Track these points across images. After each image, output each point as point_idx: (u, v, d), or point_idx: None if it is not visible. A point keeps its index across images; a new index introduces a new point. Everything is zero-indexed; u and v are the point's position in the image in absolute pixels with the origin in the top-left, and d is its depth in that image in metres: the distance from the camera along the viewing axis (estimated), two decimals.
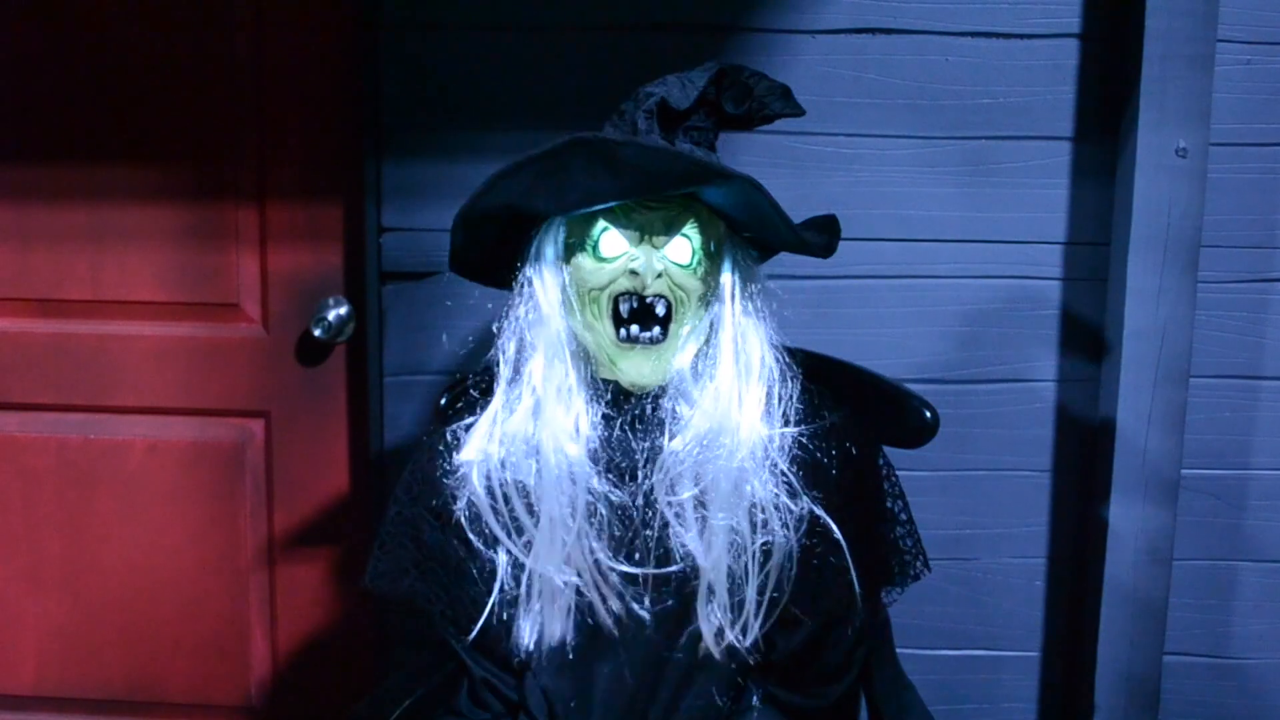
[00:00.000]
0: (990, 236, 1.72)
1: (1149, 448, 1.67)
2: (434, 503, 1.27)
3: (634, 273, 1.18)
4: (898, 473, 1.37)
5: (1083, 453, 1.75)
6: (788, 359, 1.25)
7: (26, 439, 1.89)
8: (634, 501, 1.22)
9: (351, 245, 1.78)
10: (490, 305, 1.28)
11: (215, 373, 1.84)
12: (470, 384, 1.36)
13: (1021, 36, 1.68)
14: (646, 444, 1.22)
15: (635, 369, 1.20)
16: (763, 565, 1.22)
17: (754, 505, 1.20)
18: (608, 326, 1.20)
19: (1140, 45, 1.60)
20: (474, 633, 1.26)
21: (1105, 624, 1.70)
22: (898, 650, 1.48)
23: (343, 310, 1.79)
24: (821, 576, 1.25)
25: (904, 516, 1.35)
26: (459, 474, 1.23)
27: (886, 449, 1.38)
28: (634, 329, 1.19)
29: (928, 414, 1.40)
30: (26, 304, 1.86)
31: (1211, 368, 1.73)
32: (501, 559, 1.24)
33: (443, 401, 1.49)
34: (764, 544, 1.21)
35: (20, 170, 1.82)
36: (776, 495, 1.20)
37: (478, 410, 1.26)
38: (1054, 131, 1.70)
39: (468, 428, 1.25)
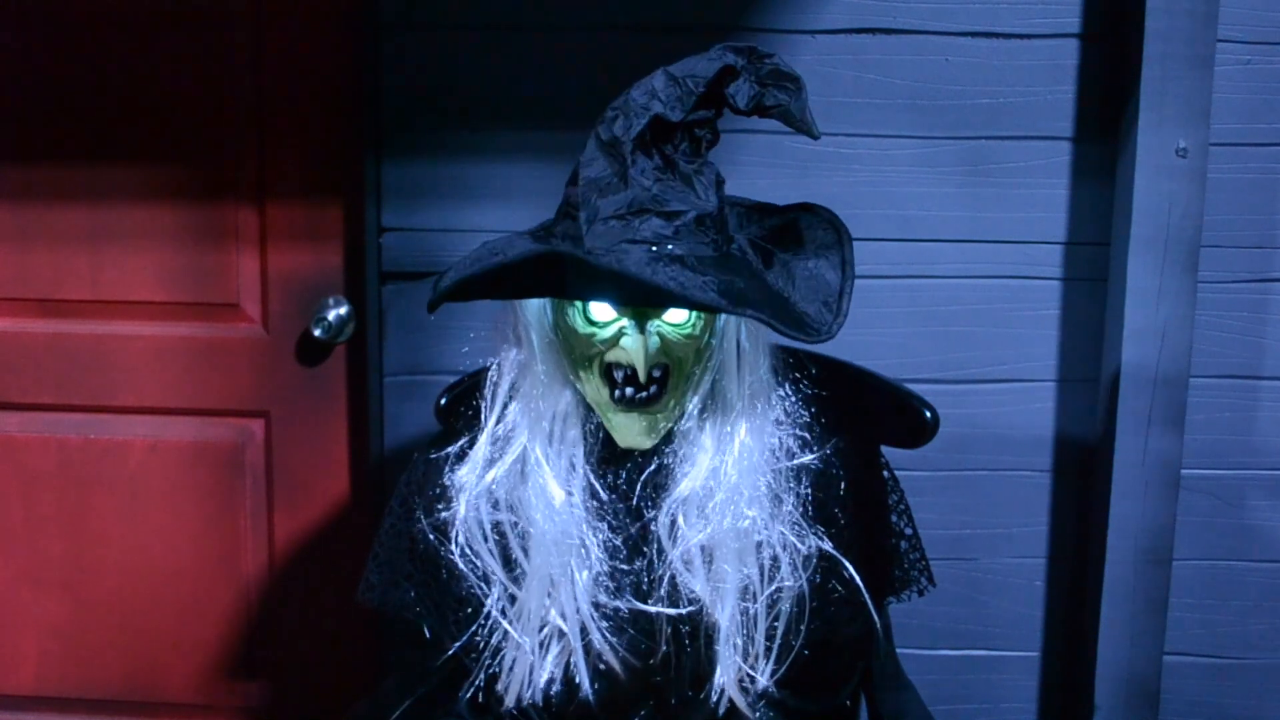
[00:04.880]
0: (990, 236, 1.72)
1: (1149, 448, 1.67)
2: (428, 520, 1.25)
3: (625, 348, 1.12)
4: (898, 473, 1.37)
5: (1083, 453, 1.75)
6: (793, 388, 1.22)
7: (26, 439, 1.89)
8: (634, 544, 1.20)
9: (351, 245, 1.78)
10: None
11: (215, 373, 1.84)
12: (470, 386, 1.36)
13: (1021, 36, 1.68)
14: (646, 485, 1.19)
15: (629, 429, 1.16)
16: (771, 608, 1.19)
17: (762, 555, 1.17)
18: (601, 386, 1.16)
19: (1140, 45, 1.60)
20: (463, 641, 1.24)
21: (1105, 624, 1.70)
22: (898, 650, 1.48)
23: (343, 310, 1.79)
24: (837, 617, 1.24)
25: (909, 531, 1.35)
26: (451, 499, 1.21)
27: (886, 449, 1.38)
28: (628, 390, 1.14)
29: (928, 414, 1.41)
30: (26, 304, 1.86)
31: (1211, 368, 1.73)
32: (491, 595, 1.21)
33: (443, 402, 1.48)
34: (773, 591, 1.18)
35: (20, 170, 1.82)
36: (784, 536, 1.17)
37: (476, 423, 1.23)
38: (1054, 131, 1.69)
39: (463, 450, 1.22)
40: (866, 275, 1.72)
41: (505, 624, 1.21)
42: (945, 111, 1.69)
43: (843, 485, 1.24)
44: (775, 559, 1.18)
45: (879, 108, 1.69)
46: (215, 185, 1.79)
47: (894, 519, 1.34)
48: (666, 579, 1.18)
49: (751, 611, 1.18)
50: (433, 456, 1.27)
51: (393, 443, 1.80)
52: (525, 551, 1.19)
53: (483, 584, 1.21)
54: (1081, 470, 1.76)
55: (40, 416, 1.88)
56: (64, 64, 1.79)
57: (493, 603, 1.21)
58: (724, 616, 1.17)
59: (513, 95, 1.71)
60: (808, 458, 1.21)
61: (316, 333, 1.77)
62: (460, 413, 1.30)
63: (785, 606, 1.19)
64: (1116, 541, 1.69)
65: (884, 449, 1.39)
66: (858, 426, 1.30)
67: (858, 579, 1.22)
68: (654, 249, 1.07)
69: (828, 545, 1.20)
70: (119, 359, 1.85)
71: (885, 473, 1.35)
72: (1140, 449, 1.67)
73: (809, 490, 1.21)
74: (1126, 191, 1.64)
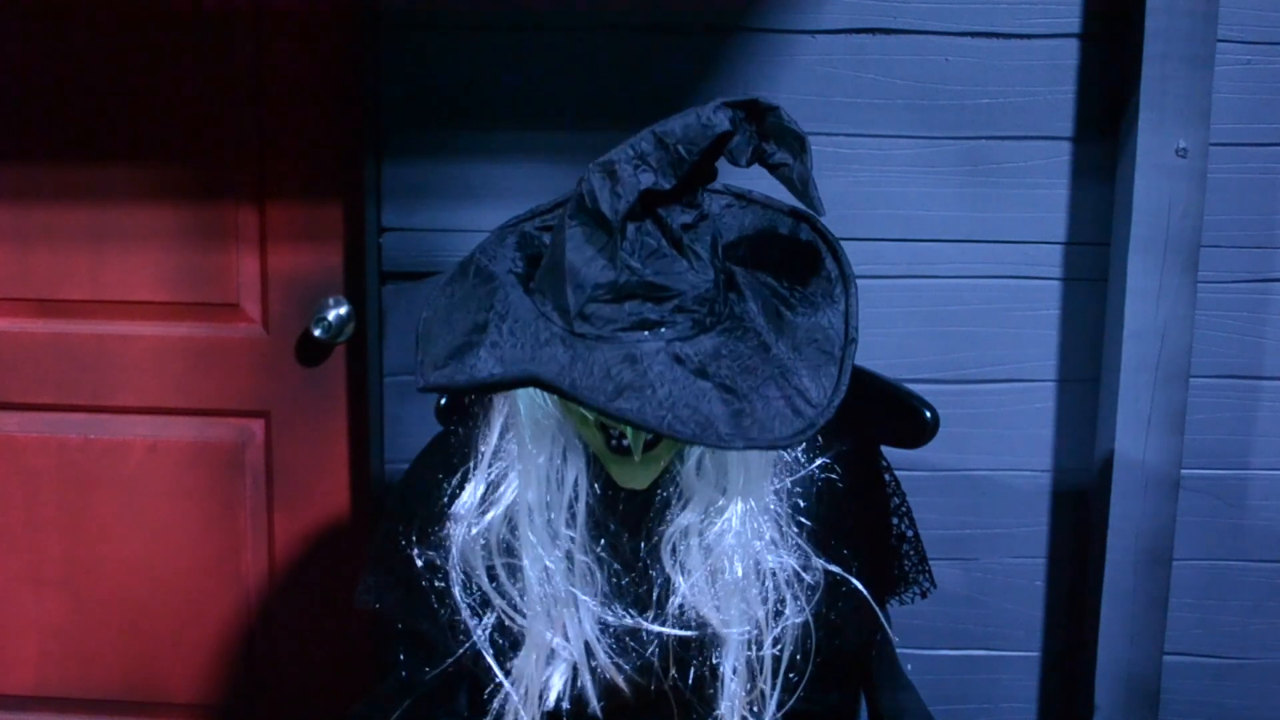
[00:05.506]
0: (990, 236, 1.72)
1: (1149, 448, 1.67)
2: (423, 547, 1.24)
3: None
4: (898, 473, 1.37)
5: (1083, 452, 1.75)
6: None
7: (26, 439, 1.89)
8: (637, 570, 1.19)
9: (351, 245, 1.78)
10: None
11: (215, 373, 1.84)
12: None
13: (1021, 36, 1.68)
14: (648, 512, 1.18)
15: (627, 474, 1.13)
16: (775, 642, 1.17)
17: (765, 592, 1.14)
18: (596, 434, 1.13)
19: (1140, 45, 1.60)
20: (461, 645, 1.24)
21: (1105, 624, 1.70)
22: (898, 650, 1.48)
23: (343, 310, 1.79)
24: (844, 631, 1.23)
25: (910, 533, 1.34)
26: (446, 536, 1.19)
27: (886, 450, 1.38)
28: (624, 441, 1.11)
29: (928, 414, 1.40)
30: (26, 304, 1.86)
31: (1211, 368, 1.73)
32: (485, 619, 1.20)
33: (443, 402, 1.48)
34: (779, 632, 1.17)
35: (20, 170, 1.82)
36: (787, 569, 1.15)
37: (474, 437, 1.20)
38: (1054, 131, 1.69)
39: (463, 479, 1.20)
40: (866, 275, 1.72)
41: (496, 669, 1.20)
42: (945, 111, 1.69)
43: (844, 492, 1.24)
44: (780, 599, 1.15)
45: (879, 108, 1.69)
46: (215, 185, 1.79)
47: (895, 521, 1.34)
48: (670, 609, 1.17)
49: (756, 654, 1.16)
50: (429, 468, 1.26)
51: (393, 443, 1.80)
52: (522, 594, 1.17)
53: (478, 612, 1.20)
54: (1081, 470, 1.76)
55: (40, 416, 1.88)
56: (64, 64, 1.79)
57: (488, 625, 1.20)
58: (727, 663, 1.15)
59: (513, 95, 1.71)
60: (809, 468, 1.20)
61: (316, 333, 1.77)
62: (458, 420, 1.29)
63: (789, 641, 1.17)
64: (1116, 541, 1.69)
65: (884, 449, 1.39)
66: (858, 428, 1.30)
67: (866, 592, 1.21)
68: (646, 333, 1.03)
69: (834, 567, 1.19)
70: (119, 359, 1.85)
71: (887, 475, 1.35)
72: (1140, 449, 1.67)
73: (811, 505, 1.20)
74: (1126, 191, 1.64)
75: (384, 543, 1.31)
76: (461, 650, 1.23)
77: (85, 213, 1.81)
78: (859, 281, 1.66)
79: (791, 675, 1.19)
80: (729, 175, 1.14)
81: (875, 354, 1.70)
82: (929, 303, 1.73)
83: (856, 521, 1.25)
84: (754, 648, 1.16)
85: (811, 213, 1.08)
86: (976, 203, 1.71)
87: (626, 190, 1.00)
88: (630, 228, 1.01)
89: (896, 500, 1.35)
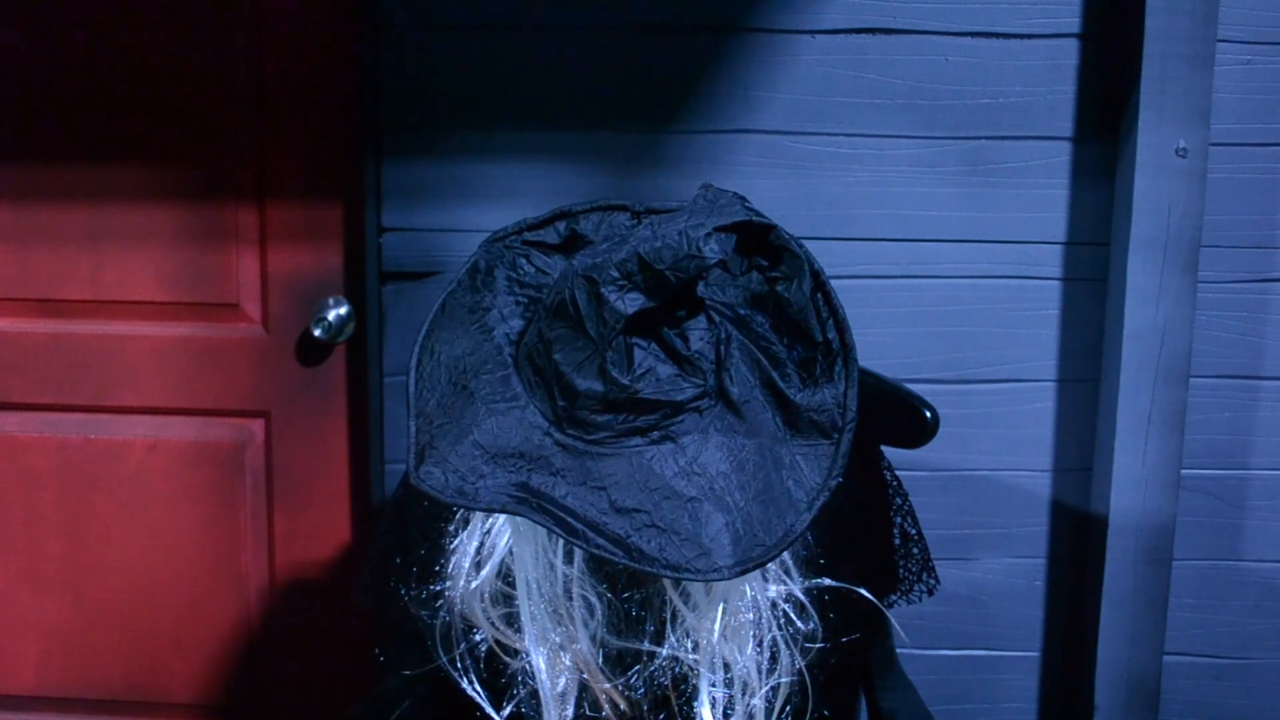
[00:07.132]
0: (990, 236, 1.72)
1: (1149, 448, 1.67)
2: (420, 580, 1.23)
3: None
4: (898, 473, 1.37)
5: (1082, 453, 1.75)
6: None
7: (26, 439, 1.89)
8: (635, 602, 1.18)
9: (351, 245, 1.78)
10: None
11: (215, 373, 1.84)
12: None
13: (1021, 36, 1.68)
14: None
15: None
16: (774, 662, 1.15)
17: (760, 638, 1.13)
18: None
19: (1140, 45, 1.60)
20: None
21: (1105, 624, 1.70)
22: (898, 650, 1.48)
23: (343, 310, 1.79)
24: (850, 644, 1.22)
25: (914, 532, 1.34)
26: (441, 588, 1.19)
27: (886, 449, 1.38)
28: None
29: (928, 414, 1.40)
30: (26, 304, 1.86)
31: (1211, 368, 1.73)
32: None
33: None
34: (770, 687, 1.15)
35: (20, 170, 1.82)
36: (782, 619, 1.13)
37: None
38: (1054, 131, 1.69)
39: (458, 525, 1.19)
40: (866, 275, 1.73)
41: (480, 699, 1.20)
42: (945, 111, 1.69)
43: (846, 493, 1.23)
44: (775, 653, 1.14)
45: (879, 108, 1.69)
46: (215, 185, 1.79)
47: (899, 520, 1.34)
48: (670, 640, 1.16)
49: (750, 696, 1.14)
50: (427, 502, 1.24)
51: (393, 443, 1.80)
52: (519, 631, 1.17)
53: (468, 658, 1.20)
54: (1081, 470, 1.76)
55: (40, 416, 1.88)
56: (64, 64, 1.79)
57: (481, 652, 1.20)
58: (707, 701, 1.14)
59: (513, 95, 1.71)
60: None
61: (316, 333, 1.77)
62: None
63: (784, 689, 1.16)
64: (1116, 541, 1.69)
65: (884, 449, 1.39)
66: (858, 428, 1.30)
67: (872, 597, 1.21)
68: (639, 439, 1.00)
69: (838, 584, 1.18)
70: (119, 359, 1.85)
71: (888, 474, 1.35)
72: (1140, 449, 1.67)
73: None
74: (1126, 191, 1.64)
75: (381, 542, 1.31)
76: (458, 650, 1.23)
77: (85, 213, 1.81)
78: (858, 281, 1.66)
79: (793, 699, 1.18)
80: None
81: (875, 354, 1.70)
82: (929, 303, 1.73)
83: (859, 522, 1.25)
84: (752, 682, 1.15)
85: (819, 268, 1.05)
86: (976, 203, 1.71)
87: (611, 316, 0.97)
88: (618, 338, 0.98)
89: (899, 500, 1.35)
